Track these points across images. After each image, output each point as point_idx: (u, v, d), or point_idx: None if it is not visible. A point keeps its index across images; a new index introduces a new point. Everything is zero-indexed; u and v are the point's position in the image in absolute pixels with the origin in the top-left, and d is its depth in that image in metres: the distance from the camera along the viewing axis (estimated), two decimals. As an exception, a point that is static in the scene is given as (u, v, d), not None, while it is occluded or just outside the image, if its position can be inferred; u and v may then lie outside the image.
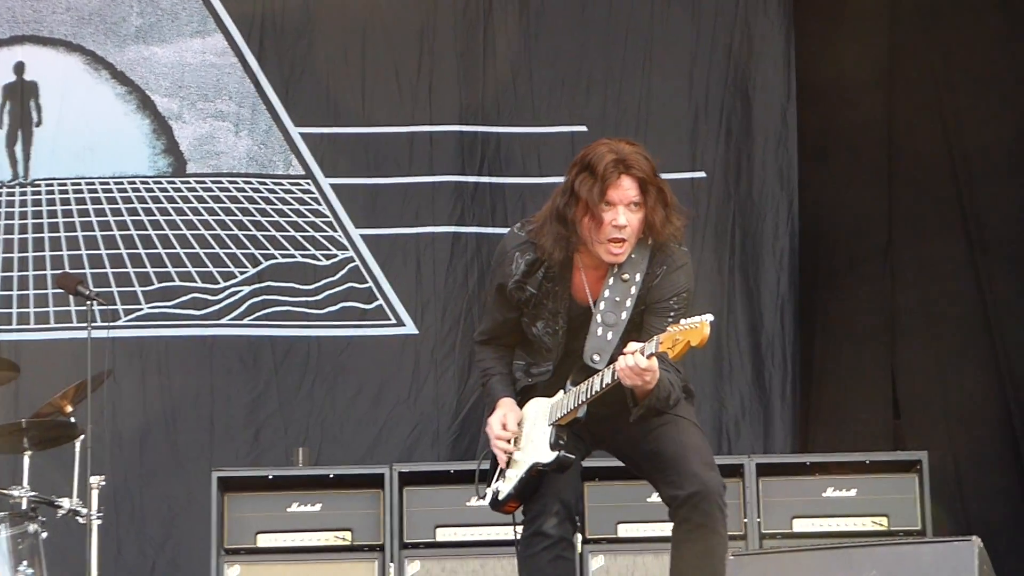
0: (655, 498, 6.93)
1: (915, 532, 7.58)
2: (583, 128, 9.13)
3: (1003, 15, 9.19)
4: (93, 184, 9.32)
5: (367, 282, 9.27)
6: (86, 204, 9.29)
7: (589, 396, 4.89)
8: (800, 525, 7.59)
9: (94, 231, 9.29)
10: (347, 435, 9.02)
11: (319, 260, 9.28)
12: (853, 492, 7.62)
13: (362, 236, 9.35)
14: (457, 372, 9.21)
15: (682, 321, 4.81)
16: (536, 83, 9.32)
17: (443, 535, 7.63)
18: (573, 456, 5.03)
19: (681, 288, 5.13)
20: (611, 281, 5.08)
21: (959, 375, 9.11)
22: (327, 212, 9.39)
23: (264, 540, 7.62)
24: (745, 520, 7.66)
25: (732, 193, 9.39)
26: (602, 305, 5.03)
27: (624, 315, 5.04)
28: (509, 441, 4.94)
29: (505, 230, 8.97)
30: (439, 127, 9.41)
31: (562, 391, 4.82)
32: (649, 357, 4.79)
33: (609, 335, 5.01)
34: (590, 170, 4.93)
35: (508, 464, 4.94)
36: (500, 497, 4.97)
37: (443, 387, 9.19)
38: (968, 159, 9.07)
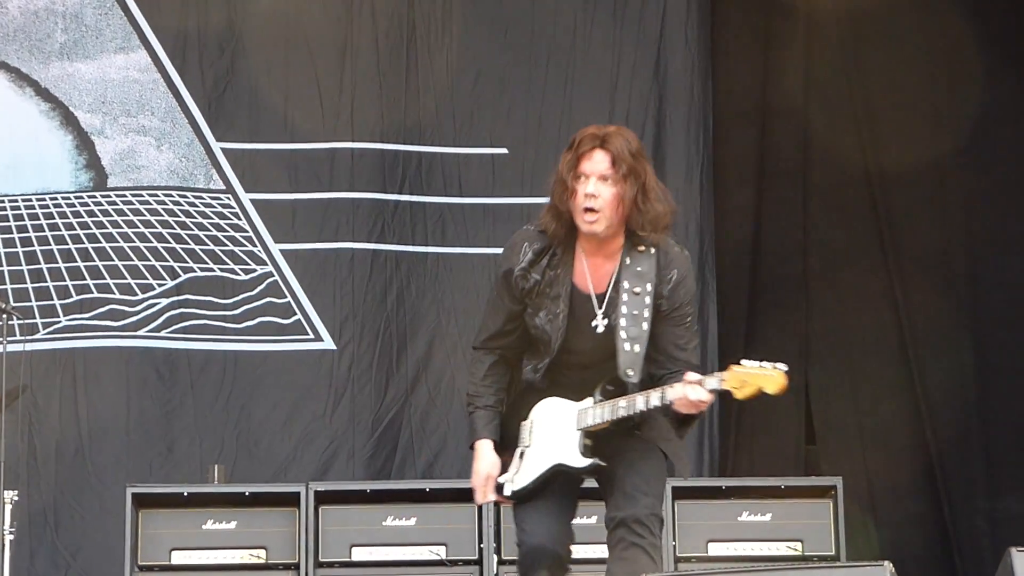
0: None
1: (829, 557, 7.62)
2: (503, 150, 9.27)
3: (922, 41, 9.28)
4: (16, 200, 9.36)
5: (286, 297, 9.29)
6: (8, 221, 9.29)
7: (631, 413, 4.99)
8: (715, 549, 7.61)
9: (16, 247, 9.28)
10: (263, 451, 9.00)
11: (238, 274, 9.28)
12: (768, 516, 7.62)
13: (281, 251, 9.37)
14: (374, 389, 9.19)
15: (746, 363, 4.91)
16: (458, 103, 9.31)
17: (358, 555, 7.63)
18: (605, 464, 5.10)
19: (692, 294, 5.32)
20: (625, 297, 5.16)
21: (875, 401, 9.13)
22: (247, 227, 9.40)
23: (178, 557, 7.59)
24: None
25: (647, 218, 9.12)
26: (623, 322, 5.10)
27: (645, 326, 5.11)
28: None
29: (424, 249, 9.15)
30: (360, 144, 9.41)
31: (591, 399, 4.85)
32: (711, 392, 4.92)
33: (636, 348, 5.09)
34: (571, 145, 5.10)
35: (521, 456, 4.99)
36: (514, 489, 4.96)
37: (360, 404, 9.14)
38: (886, 186, 9.14)
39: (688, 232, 8.92)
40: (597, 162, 5.08)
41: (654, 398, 5.00)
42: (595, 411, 4.90)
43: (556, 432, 4.91)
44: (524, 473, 4.93)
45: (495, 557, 7.64)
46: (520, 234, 5.13)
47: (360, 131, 9.47)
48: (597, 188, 5.04)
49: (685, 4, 9.45)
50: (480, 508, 7.53)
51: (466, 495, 7.02)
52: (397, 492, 8.03)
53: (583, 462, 5.02)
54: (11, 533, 7.47)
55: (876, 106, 9.46)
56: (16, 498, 7.58)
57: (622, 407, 4.98)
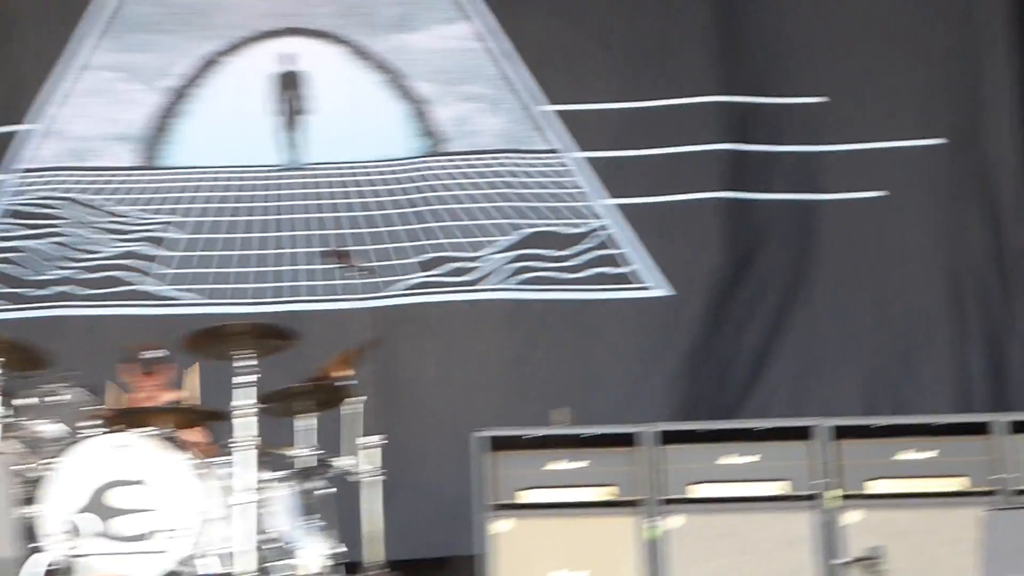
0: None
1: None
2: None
3: None
4: (358, 167, 9.74)
5: (619, 248, 9.54)
6: (354, 187, 9.69)
7: None
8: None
9: (360, 212, 9.70)
10: (603, 393, 9.17)
11: (574, 228, 9.59)
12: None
13: (613, 205, 9.57)
14: (707, 332, 9.41)
15: None
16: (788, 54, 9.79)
17: (699, 491, 7.57)
18: None
19: None
20: None
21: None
22: (580, 184, 9.67)
23: (527, 496, 7.65)
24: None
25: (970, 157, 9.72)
26: None
27: None
28: None
29: (755, 196, 9.61)
30: (693, 99, 9.67)
31: None
32: None
33: None
34: None
35: None
36: None
37: (695, 346, 9.38)
38: None
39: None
40: None
41: None
42: None
43: None
44: None
45: (833, 492, 7.44)
46: None
47: (691, 86, 9.83)
48: None
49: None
50: (818, 444, 7.57)
51: (802, 432, 7.64)
52: (734, 431, 7.90)
53: None
54: (378, 475, 7.80)
55: None
56: (383, 441, 7.80)
57: None
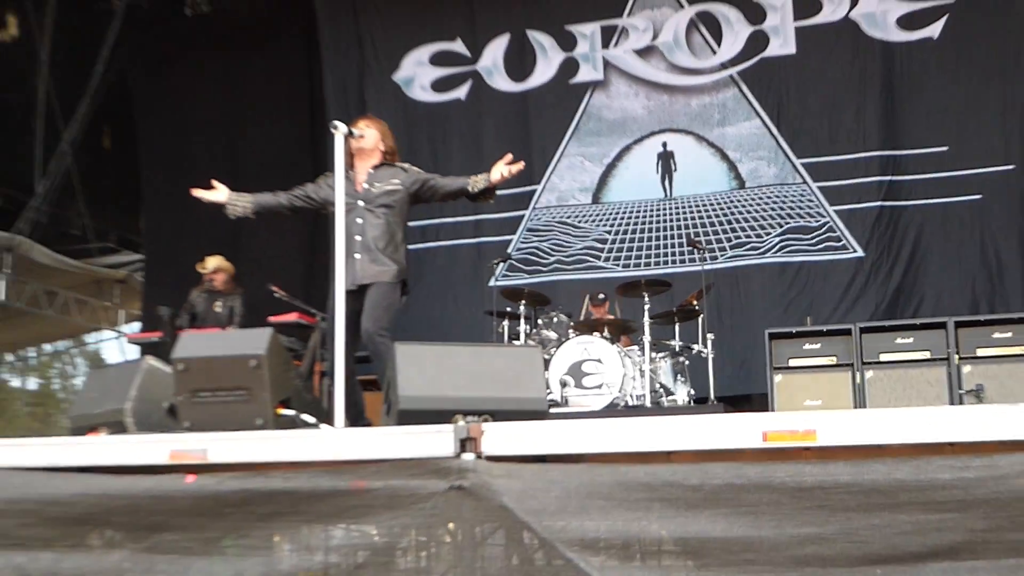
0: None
1: None
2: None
3: None
4: (700, 197, 10.09)
5: (835, 232, 9.77)
6: (699, 206, 10.07)
7: None
8: None
9: (702, 219, 10.03)
10: (828, 308, 9.49)
11: (814, 221, 9.76)
12: None
13: (833, 209, 9.80)
14: (881, 275, 9.57)
15: None
16: None
17: (883, 358, 7.37)
18: None
19: None
20: None
21: None
22: (815, 198, 9.85)
23: (792, 362, 7.53)
24: None
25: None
26: None
27: None
28: None
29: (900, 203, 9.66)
30: (866, 153, 9.85)
31: None
32: None
33: None
34: None
35: None
36: None
37: (879, 278, 9.53)
38: None
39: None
40: None
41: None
42: None
43: None
44: None
45: (956, 356, 7.24)
46: None
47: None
48: None
49: None
50: (947, 330, 7.35)
51: (939, 324, 7.38)
52: (901, 324, 7.75)
53: None
54: (712, 353, 8.21)
55: None
56: (712, 337, 8.31)
57: None
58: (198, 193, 5.62)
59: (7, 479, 3.42)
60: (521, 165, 5.52)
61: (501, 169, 5.48)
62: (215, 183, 5.68)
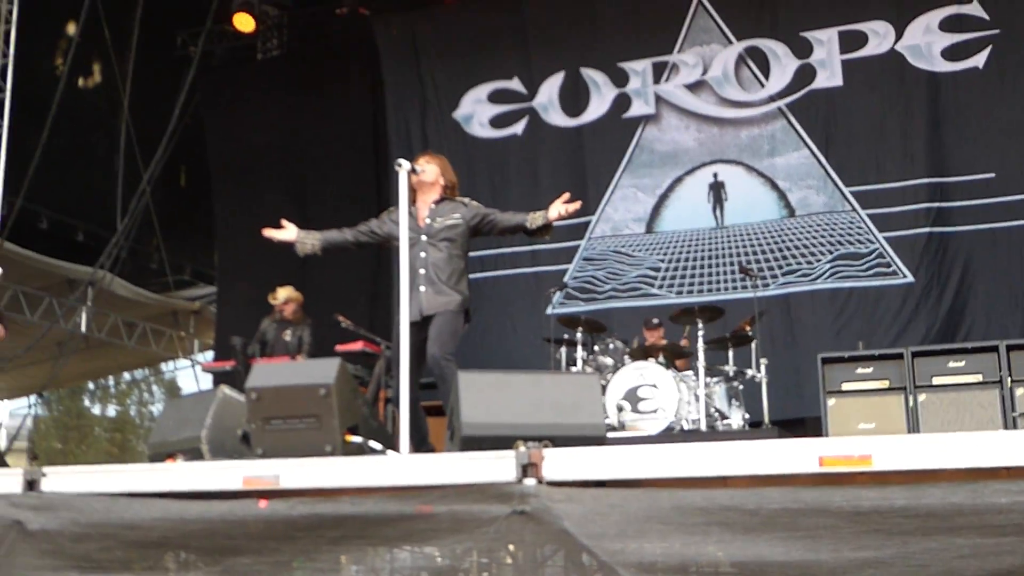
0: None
1: None
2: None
3: None
4: (751, 225, 10.12)
5: (885, 258, 9.68)
6: (749, 235, 10.09)
7: None
8: None
9: (754, 247, 10.08)
10: (882, 333, 9.42)
11: (863, 248, 9.72)
12: None
13: (882, 236, 9.77)
14: (931, 299, 9.52)
15: None
16: None
17: (936, 381, 7.23)
18: None
19: None
20: None
21: None
22: (863, 225, 9.81)
23: (844, 386, 7.41)
24: None
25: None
26: None
27: None
28: None
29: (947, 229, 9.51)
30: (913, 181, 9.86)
31: None
32: None
33: None
34: None
35: None
36: None
37: (928, 305, 9.47)
38: None
39: None
40: None
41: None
42: None
43: None
44: None
45: (1008, 380, 7.15)
46: None
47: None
48: None
49: None
50: (999, 353, 7.18)
51: (991, 348, 7.23)
52: (953, 348, 7.64)
53: None
54: (765, 377, 8.09)
55: None
56: (766, 362, 8.19)
57: None
58: (269, 233, 5.73)
59: (89, 504, 3.47)
60: (578, 204, 5.56)
61: (559, 208, 5.51)
62: (284, 222, 5.79)
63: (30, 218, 11.25)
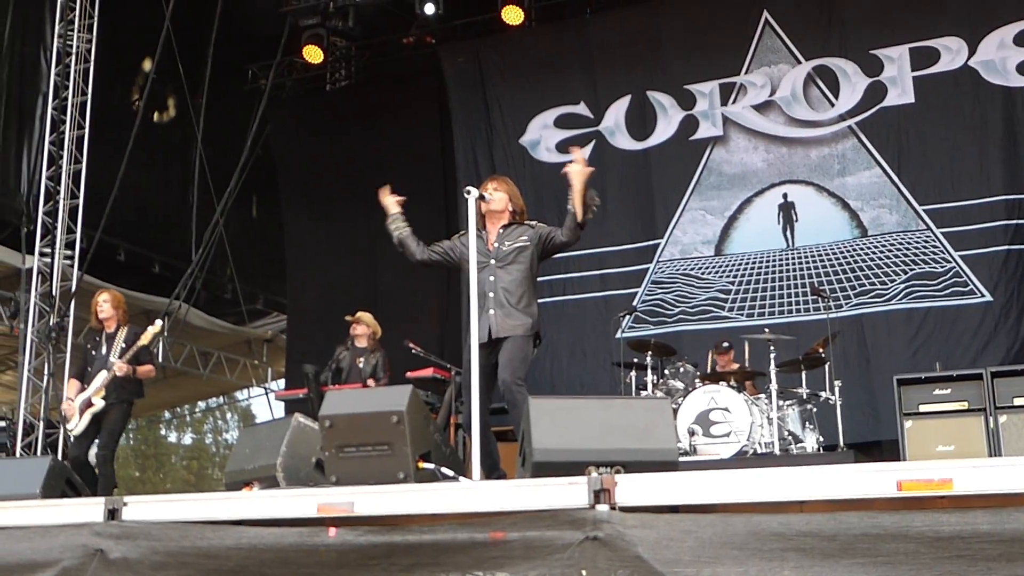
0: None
1: None
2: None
3: None
4: (821, 245, 10.08)
5: (962, 277, 9.59)
6: (820, 255, 10.06)
7: None
8: None
9: (825, 268, 10.00)
10: (960, 352, 9.29)
11: (939, 267, 9.62)
12: None
13: (958, 254, 9.69)
14: (1007, 320, 9.30)
15: None
16: None
17: (1017, 402, 6.98)
18: None
19: None
20: None
21: None
22: (939, 244, 9.71)
23: (922, 407, 7.19)
24: None
25: None
26: None
27: None
28: None
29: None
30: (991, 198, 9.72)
31: None
32: None
33: None
34: None
35: None
36: None
37: (1004, 325, 9.32)
38: None
39: None
40: None
41: None
42: None
43: None
44: None
45: None
46: None
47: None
48: None
49: None
50: None
51: None
52: None
53: None
54: (840, 399, 8.03)
55: None
56: (839, 384, 8.14)
57: None
58: (382, 192, 5.98)
59: (167, 532, 3.52)
60: (577, 151, 5.56)
61: (570, 169, 5.59)
62: (394, 196, 6.03)
63: (108, 251, 11.48)
